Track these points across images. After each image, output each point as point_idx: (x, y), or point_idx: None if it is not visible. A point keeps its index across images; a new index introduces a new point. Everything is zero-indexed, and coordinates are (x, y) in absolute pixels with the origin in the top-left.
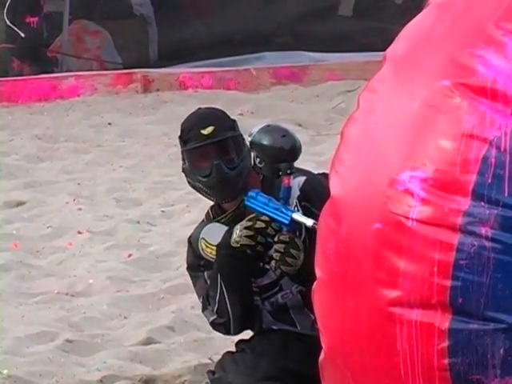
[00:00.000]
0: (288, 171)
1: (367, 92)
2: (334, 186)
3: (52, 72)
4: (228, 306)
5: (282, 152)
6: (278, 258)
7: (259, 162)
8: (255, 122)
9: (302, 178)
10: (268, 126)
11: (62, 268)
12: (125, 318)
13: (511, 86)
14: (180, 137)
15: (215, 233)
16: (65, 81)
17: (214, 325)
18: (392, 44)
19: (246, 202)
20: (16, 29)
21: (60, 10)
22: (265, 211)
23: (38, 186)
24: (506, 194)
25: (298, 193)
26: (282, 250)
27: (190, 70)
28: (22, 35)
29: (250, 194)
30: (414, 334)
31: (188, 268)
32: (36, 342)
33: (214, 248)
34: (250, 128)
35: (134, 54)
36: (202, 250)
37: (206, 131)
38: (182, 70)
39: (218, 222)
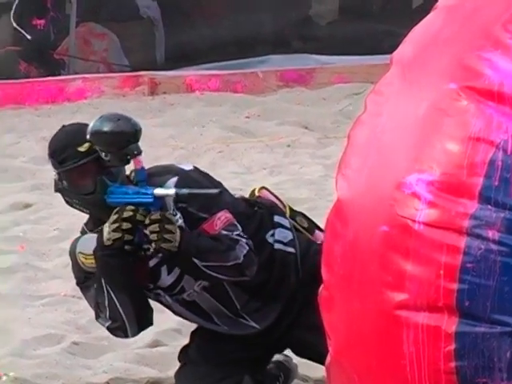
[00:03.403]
0: (135, 152)
1: (374, 95)
2: (341, 189)
3: (59, 74)
4: (119, 307)
5: (125, 135)
6: (156, 238)
7: (105, 156)
8: (262, 124)
9: (174, 179)
10: (100, 117)
11: (69, 270)
12: None
13: None
14: (52, 157)
15: (90, 243)
16: (72, 83)
17: (111, 330)
18: (399, 47)
19: (108, 200)
20: (23, 31)
21: (67, 12)
22: (127, 200)
23: (44, 188)
24: None
25: (174, 195)
26: (158, 229)
27: (197, 72)
28: (29, 38)
29: (109, 190)
30: (420, 337)
31: (77, 283)
32: (43, 344)
33: (93, 257)
34: (258, 131)
35: (141, 57)
36: (83, 263)
37: (84, 148)
38: (188, 73)
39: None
